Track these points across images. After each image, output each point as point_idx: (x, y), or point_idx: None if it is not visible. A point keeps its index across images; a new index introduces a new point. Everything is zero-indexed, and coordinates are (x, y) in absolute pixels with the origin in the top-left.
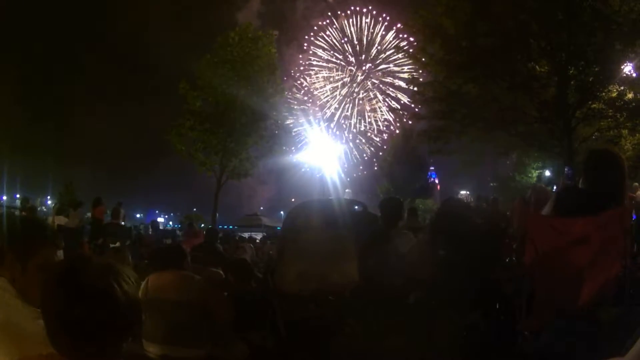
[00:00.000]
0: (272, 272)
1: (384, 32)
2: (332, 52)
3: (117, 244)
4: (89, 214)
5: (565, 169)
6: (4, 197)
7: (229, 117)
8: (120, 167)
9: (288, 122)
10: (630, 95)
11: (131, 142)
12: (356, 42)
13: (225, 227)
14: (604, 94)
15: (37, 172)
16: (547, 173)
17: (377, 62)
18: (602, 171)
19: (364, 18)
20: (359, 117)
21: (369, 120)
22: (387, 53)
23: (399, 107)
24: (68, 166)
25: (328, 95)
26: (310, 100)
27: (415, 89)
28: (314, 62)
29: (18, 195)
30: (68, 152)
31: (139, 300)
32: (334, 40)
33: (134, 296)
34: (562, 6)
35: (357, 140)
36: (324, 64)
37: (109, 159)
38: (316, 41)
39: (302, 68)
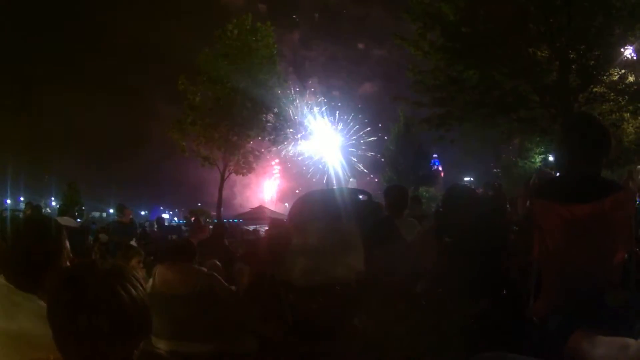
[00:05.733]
0: (278, 264)
1: None
2: None
3: (132, 242)
4: (94, 214)
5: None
6: (8, 201)
7: (230, 110)
8: (123, 164)
9: (290, 112)
10: (631, 78)
11: (133, 139)
12: None
13: (231, 220)
14: (605, 77)
15: (40, 173)
16: (551, 158)
17: None
18: (588, 141)
19: None
20: None
21: None
22: None
23: None
24: (70, 165)
25: None
26: None
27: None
28: None
29: (22, 198)
30: (70, 152)
31: (147, 304)
32: None
33: (141, 300)
34: None
35: None
36: None
37: (111, 156)
38: None
39: None
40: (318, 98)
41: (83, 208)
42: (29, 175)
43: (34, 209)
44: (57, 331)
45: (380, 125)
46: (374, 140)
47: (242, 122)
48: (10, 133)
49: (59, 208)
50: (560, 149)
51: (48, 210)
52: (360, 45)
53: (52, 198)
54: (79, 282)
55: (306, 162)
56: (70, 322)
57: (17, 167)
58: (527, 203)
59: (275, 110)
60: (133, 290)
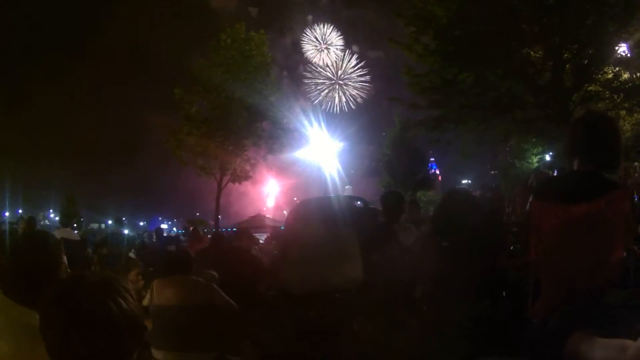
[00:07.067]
0: (277, 272)
1: None
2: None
3: (132, 253)
4: (93, 225)
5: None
6: (7, 214)
7: (226, 120)
8: (121, 175)
9: (286, 120)
10: (625, 76)
11: (130, 149)
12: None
13: (228, 229)
14: (599, 75)
15: (37, 186)
16: (547, 158)
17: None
18: (600, 139)
19: None
20: None
21: None
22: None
23: None
24: (68, 177)
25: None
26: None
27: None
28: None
29: (21, 211)
30: (67, 163)
31: (138, 315)
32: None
33: (131, 311)
34: None
35: None
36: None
37: (108, 168)
38: None
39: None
40: (313, 104)
41: (82, 220)
42: (26, 188)
43: (28, 222)
44: (50, 345)
45: (376, 130)
46: (371, 146)
47: (238, 131)
48: (7, 145)
49: (59, 221)
50: (565, 148)
51: (47, 222)
52: (355, 49)
53: (51, 210)
54: (69, 295)
55: (303, 170)
56: (62, 335)
57: (14, 179)
58: (528, 204)
59: (271, 118)
60: (122, 302)
